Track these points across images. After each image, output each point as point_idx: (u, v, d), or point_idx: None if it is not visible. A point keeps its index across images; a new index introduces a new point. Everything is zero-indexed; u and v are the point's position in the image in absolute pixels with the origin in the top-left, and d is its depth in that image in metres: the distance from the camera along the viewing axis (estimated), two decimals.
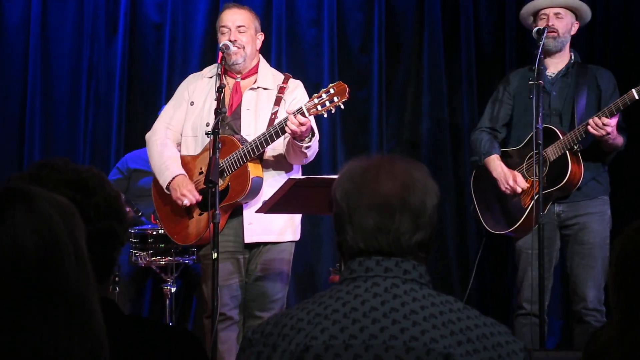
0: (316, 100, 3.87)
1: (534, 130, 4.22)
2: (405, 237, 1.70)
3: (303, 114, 3.85)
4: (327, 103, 3.87)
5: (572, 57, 4.64)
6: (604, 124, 4.24)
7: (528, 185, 4.53)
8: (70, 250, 1.30)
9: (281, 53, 5.94)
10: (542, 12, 4.58)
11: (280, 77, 4.29)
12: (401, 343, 1.60)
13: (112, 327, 1.40)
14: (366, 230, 1.70)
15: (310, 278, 5.83)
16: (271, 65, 5.75)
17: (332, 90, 3.87)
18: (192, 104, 4.23)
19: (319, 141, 5.75)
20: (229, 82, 4.19)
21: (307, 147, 3.97)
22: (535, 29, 4.47)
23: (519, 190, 4.53)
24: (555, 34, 4.52)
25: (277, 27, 5.94)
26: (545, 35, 4.40)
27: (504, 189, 4.56)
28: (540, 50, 4.32)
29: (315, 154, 4.17)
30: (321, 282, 5.71)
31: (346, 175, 1.76)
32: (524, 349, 1.68)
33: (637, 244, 1.79)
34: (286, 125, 3.86)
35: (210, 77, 4.27)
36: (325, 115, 3.95)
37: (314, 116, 3.98)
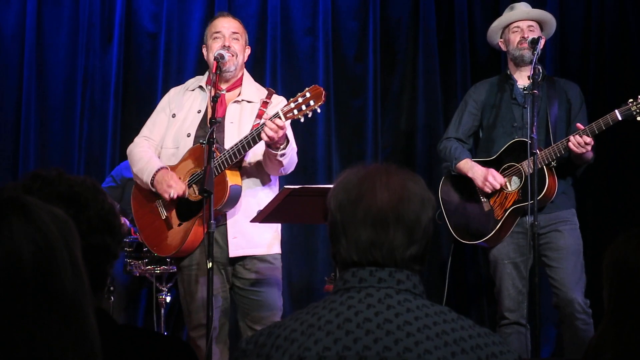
0: (292, 105, 3.84)
1: (529, 140, 4.25)
2: (399, 251, 1.70)
3: (279, 119, 3.84)
4: (304, 107, 3.83)
5: (540, 70, 4.67)
6: (586, 143, 4.28)
7: (505, 180, 4.56)
8: (66, 260, 1.31)
9: (276, 62, 5.94)
10: (515, 24, 4.69)
11: (264, 92, 4.29)
12: (395, 354, 1.60)
13: (106, 337, 1.40)
14: (360, 244, 1.70)
15: (306, 287, 5.82)
16: (266, 75, 5.82)
17: (308, 94, 3.84)
18: (173, 116, 4.23)
19: (315, 149, 5.81)
20: (215, 93, 4.17)
21: (282, 155, 3.94)
22: (530, 38, 4.53)
23: (498, 186, 4.55)
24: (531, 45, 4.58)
25: (272, 36, 5.95)
26: (540, 44, 4.44)
27: (482, 185, 4.58)
28: (535, 60, 4.35)
29: (293, 165, 4.14)
30: (316, 291, 5.70)
31: (341, 186, 1.76)
32: (518, 359, 1.68)
33: (625, 254, 1.82)
34: (263, 130, 3.83)
35: (193, 90, 4.27)
36: (302, 120, 3.90)
37: (291, 127, 3.97)
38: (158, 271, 5.03)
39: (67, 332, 1.28)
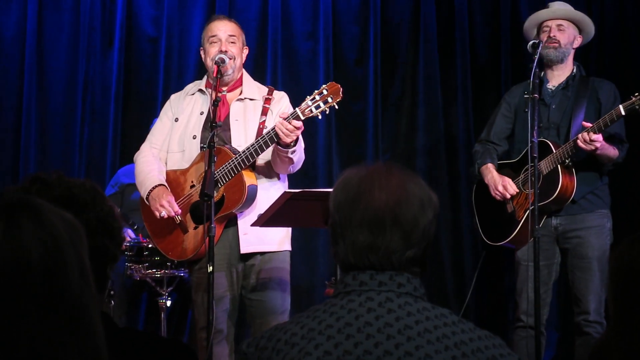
0: (310, 102, 3.85)
1: (529, 144, 4.23)
2: (396, 255, 1.69)
3: (298, 118, 3.84)
4: (322, 104, 3.84)
5: (574, 70, 4.67)
6: (591, 140, 4.27)
7: (517, 191, 4.56)
8: (74, 262, 1.31)
9: (277, 66, 5.94)
10: (545, 24, 4.66)
11: (264, 89, 4.30)
12: (395, 359, 1.59)
13: (107, 340, 1.40)
14: (357, 247, 1.69)
15: (306, 291, 5.82)
16: (267, 79, 5.82)
17: (325, 92, 3.85)
18: (176, 120, 4.24)
19: (315, 154, 5.81)
20: (215, 97, 4.18)
21: (293, 152, 3.95)
22: (531, 42, 4.51)
23: (508, 195, 4.56)
24: (556, 45, 4.58)
25: (272, 40, 5.95)
26: (540, 48, 4.43)
27: (493, 194, 4.61)
28: (535, 64, 4.34)
29: (301, 162, 4.14)
30: (317, 295, 5.70)
31: (341, 186, 1.75)
32: None
33: (630, 258, 1.82)
34: (280, 130, 3.83)
35: (193, 94, 4.28)
36: (320, 117, 3.92)
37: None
38: (158, 275, 5.03)
39: (72, 334, 1.29)
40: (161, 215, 4.04)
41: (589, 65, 5.85)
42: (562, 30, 4.62)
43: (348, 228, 1.70)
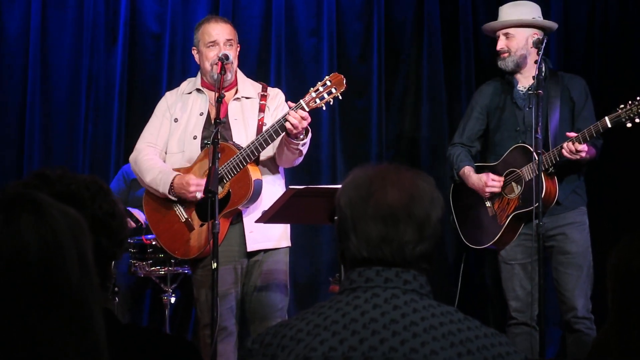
0: (314, 94, 3.88)
1: (534, 140, 4.23)
2: (409, 248, 1.69)
3: (302, 109, 3.86)
4: (326, 95, 3.88)
5: (544, 69, 4.61)
6: (577, 150, 4.26)
7: (503, 179, 4.54)
8: (73, 256, 1.31)
9: (280, 63, 5.94)
10: (497, 33, 4.64)
11: (258, 86, 4.32)
12: (401, 355, 1.59)
13: (110, 336, 1.40)
14: (370, 240, 1.69)
15: (310, 288, 5.82)
16: (271, 75, 5.82)
17: (328, 82, 3.88)
18: (175, 120, 4.23)
19: (319, 150, 5.81)
20: (211, 95, 4.17)
21: (304, 144, 3.97)
22: (535, 38, 4.50)
23: (497, 188, 4.53)
24: (506, 55, 4.59)
25: (276, 36, 5.95)
26: (544, 43, 4.41)
27: (484, 195, 4.60)
28: (540, 60, 4.33)
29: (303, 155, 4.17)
30: (321, 292, 5.69)
31: (352, 183, 1.75)
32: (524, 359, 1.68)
33: (630, 256, 1.83)
34: (287, 121, 3.85)
35: (189, 93, 4.28)
36: (324, 108, 3.94)
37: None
38: (162, 272, 5.03)
39: (70, 328, 1.28)
40: (197, 197, 4.02)
41: (591, 64, 5.85)
42: (510, 38, 4.59)
43: (361, 221, 1.70)
